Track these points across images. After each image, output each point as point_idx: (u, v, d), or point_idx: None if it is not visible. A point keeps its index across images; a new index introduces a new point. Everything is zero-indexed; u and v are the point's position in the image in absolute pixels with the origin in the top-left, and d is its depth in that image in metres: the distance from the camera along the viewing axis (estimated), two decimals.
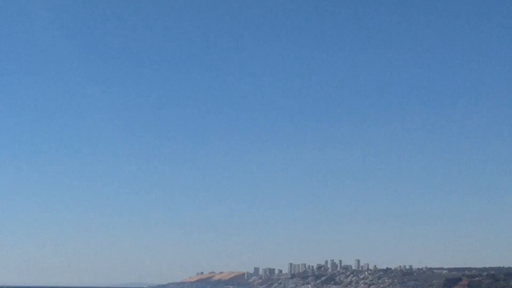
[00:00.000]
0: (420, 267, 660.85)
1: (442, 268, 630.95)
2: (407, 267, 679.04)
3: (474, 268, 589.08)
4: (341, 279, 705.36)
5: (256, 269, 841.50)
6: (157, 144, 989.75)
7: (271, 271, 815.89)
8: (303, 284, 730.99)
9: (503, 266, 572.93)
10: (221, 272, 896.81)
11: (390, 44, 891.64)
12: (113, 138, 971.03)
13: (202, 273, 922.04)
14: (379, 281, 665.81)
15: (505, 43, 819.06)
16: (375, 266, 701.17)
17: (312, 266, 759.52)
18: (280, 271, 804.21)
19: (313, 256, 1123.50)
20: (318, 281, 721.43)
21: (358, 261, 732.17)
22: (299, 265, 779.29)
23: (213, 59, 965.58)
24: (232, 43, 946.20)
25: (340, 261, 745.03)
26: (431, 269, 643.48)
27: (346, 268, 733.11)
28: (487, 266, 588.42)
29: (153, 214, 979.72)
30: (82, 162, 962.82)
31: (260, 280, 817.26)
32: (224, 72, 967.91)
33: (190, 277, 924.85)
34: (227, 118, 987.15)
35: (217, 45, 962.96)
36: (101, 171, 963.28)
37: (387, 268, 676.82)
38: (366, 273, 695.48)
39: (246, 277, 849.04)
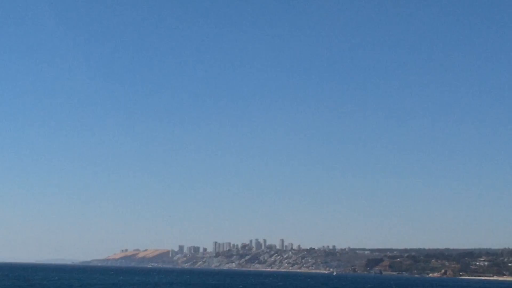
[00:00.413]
0: (343, 248, 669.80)
1: (364, 249, 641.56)
2: (330, 247, 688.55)
3: (396, 249, 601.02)
4: (265, 258, 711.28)
5: (181, 247, 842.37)
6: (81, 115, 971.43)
7: (196, 249, 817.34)
8: (227, 263, 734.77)
9: (424, 248, 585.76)
10: (145, 250, 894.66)
11: None
12: None
13: (126, 250, 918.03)
14: (303, 260, 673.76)
15: None
16: (299, 245, 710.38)
17: (237, 245, 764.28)
18: (205, 249, 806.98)
19: (238, 235, 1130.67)
20: (243, 260, 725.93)
21: (282, 240, 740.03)
22: (223, 243, 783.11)
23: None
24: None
25: (265, 240, 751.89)
26: (353, 249, 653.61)
27: (270, 247, 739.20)
28: (408, 247, 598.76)
29: (78, 189, 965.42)
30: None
31: (185, 258, 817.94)
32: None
33: (114, 254, 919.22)
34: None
35: None
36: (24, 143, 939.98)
37: (311, 248, 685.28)
38: (290, 252, 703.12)
39: (170, 255, 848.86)
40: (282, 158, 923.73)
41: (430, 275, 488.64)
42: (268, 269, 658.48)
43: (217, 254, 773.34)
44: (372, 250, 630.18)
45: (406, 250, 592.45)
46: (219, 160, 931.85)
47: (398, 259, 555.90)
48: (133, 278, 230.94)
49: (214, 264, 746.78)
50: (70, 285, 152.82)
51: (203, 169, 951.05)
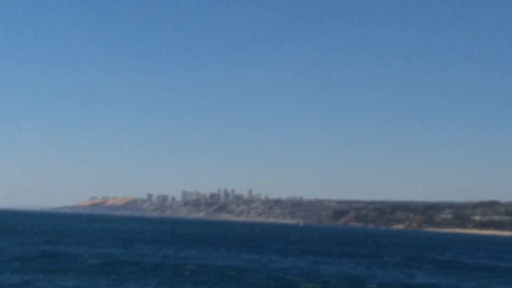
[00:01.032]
0: (310, 199, 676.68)
1: (331, 200, 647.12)
2: (298, 198, 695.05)
3: (362, 201, 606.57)
4: (233, 208, 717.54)
5: (150, 195, 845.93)
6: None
7: (164, 197, 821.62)
8: (195, 212, 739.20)
9: (389, 200, 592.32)
10: (114, 197, 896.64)
11: None
12: None
13: (95, 197, 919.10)
14: (270, 210, 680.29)
15: None
16: (266, 196, 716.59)
17: (205, 194, 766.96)
18: (173, 198, 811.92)
19: (206, 184, 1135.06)
20: (211, 209, 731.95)
21: (250, 190, 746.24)
22: (192, 192, 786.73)
23: None
24: None
25: (233, 190, 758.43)
26: (320, 200, 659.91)
27: (238, 197, 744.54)
28: (374, 199, 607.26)
29: (47, 136, 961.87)
30: None
31: (153, 207, 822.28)
32: None
33: (83, 201, 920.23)
34: None
35: None
36: None
37: (278, 198, 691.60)
38: (258, 202, 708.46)
39: (139, 203, 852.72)
40: (251, 108, 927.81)
41: (395, 226, 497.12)
42: (236, 219, 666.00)
43: (186, 203, 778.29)
44: (338, 202, 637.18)
45: (371, 202, 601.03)
46: (189, 109, 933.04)
47: (364, 211, 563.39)
48: (105, 225, 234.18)
49: (182, 213, 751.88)
50: (41, 231, 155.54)
51: (173, 118, 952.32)
